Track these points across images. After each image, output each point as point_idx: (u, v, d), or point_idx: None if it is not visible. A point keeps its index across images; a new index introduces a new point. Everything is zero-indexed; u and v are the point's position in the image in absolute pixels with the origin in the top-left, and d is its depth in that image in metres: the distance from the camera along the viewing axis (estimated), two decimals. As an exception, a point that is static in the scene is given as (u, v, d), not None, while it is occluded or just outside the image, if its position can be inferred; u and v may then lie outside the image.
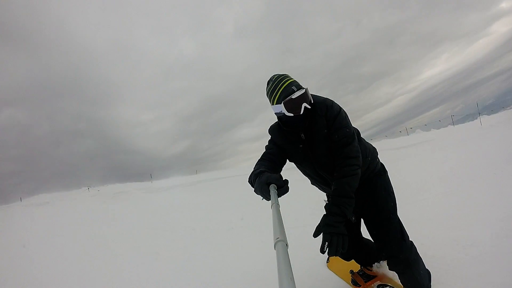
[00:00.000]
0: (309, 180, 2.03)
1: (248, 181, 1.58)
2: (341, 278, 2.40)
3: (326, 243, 1.43)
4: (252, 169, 1.61)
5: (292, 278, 0.60)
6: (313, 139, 1.68)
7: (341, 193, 1.52)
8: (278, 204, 1.12)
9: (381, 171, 1.90)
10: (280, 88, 1.58)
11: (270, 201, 1.22)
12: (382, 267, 2.17)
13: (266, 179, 1.35)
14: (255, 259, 3.19)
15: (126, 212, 7.95)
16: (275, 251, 0.73)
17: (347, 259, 2.09)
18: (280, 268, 0.64)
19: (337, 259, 2.50)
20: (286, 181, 1.36)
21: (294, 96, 1.55)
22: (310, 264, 2.70)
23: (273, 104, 1.65)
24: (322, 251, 1.42)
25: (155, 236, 5.02)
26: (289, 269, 0.64)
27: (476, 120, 21.13)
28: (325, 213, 1.55)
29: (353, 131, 1.65)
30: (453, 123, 23.73)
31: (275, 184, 1.32)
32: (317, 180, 1.86)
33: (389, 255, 1.75)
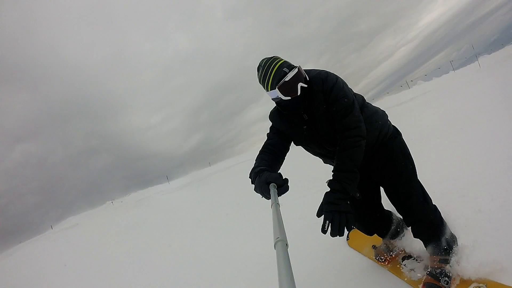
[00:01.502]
0: (321, 160, 1.97)
1: (249, 177, 1.53)
2: (363, 254, 2.31)
3: (327, 222, 1.35)
4: (253, 164, 1.57)
5: (292, 278, 0.60)
6: (315, 117, 1.59)
7: (342, 168, 1.45)
8: (278, 203, 1.11)
9: (395, 134, 1.80)
10: (271, 72, 1.50)
11: (270, 200, 1.20)
12: (406, 239, 2.04)
13: (266, 178, 1.33)
14: (245, 241, 3.68)
15: (146, 216, 8.79)
16: (275, 250, 0.73)
17: (370, 233, 1.97)
18: (280, 268, 0.64)
19: (357, 236, 2.44)
20: (286, 180, 1.34)
21: (288, 78, 1.46)
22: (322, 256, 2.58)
23: (267, 91, 1.57)
24: (323, 231, 1.35)
25: (168, 231, 5.77)
26: (289, 269, 0.64)
27: (476, 61, 20.76)
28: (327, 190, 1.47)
29: (352, 101, 1.54)
30: (453, 69, 23.33)
31: (275, 183, 1.31)
32: (329, 156, 1.76)
33: (413, 220, 1.67)
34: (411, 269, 1.85)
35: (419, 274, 1.78)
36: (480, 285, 1.49)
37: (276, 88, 1.49)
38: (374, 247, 2.18)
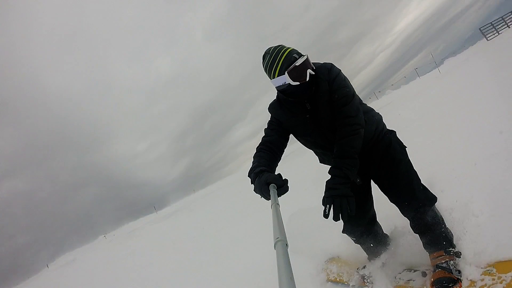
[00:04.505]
0: (318, 159, 1.92)
1: (248, 176, 1.52)
2: (345, 282, 2.10)
3: (327, 206, 1.37)
4: (252, 163, 1.57)
5: (292, 278, 0.61)
6: (318, 105, 1.58)
7: (342, 154, 1.46)
8: (278, 204, 1.11)
9: (390, 130, 1.82)
10: (281, 58, 1.49)
11: (269, 201, 1.21)
12: (393, 254, 1.90)
13: (266, 179, 1.33)
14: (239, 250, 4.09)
15: (138, 245, 9.64)
16: (275, 251, 0.74)
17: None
18: (280, 268, 0.64)
19: (335, 265, 2.25)
20: (286, 181, 1.34)
21: (298, 63, 1.46)
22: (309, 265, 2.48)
23: (274, 77, 1.54)
24: (325, 215, 1.37)
25: (157, 257, 6.55)
26: (289, 269, 0.64)
27: (440, 66, 21.72)
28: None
29: (353, 92, 1.57)
30: (419, 76, 24.42)
31: (275, 184, 1.31)
32: (330, 149, 1.67)
33: (416, 206, 1.60)
34: (409, 280, 1.75)
35: (419, 281, 1.69)
36: (489, 268, 1.46)
37: (286, 73, 1.48)
38: (358, 270, 1.99)
